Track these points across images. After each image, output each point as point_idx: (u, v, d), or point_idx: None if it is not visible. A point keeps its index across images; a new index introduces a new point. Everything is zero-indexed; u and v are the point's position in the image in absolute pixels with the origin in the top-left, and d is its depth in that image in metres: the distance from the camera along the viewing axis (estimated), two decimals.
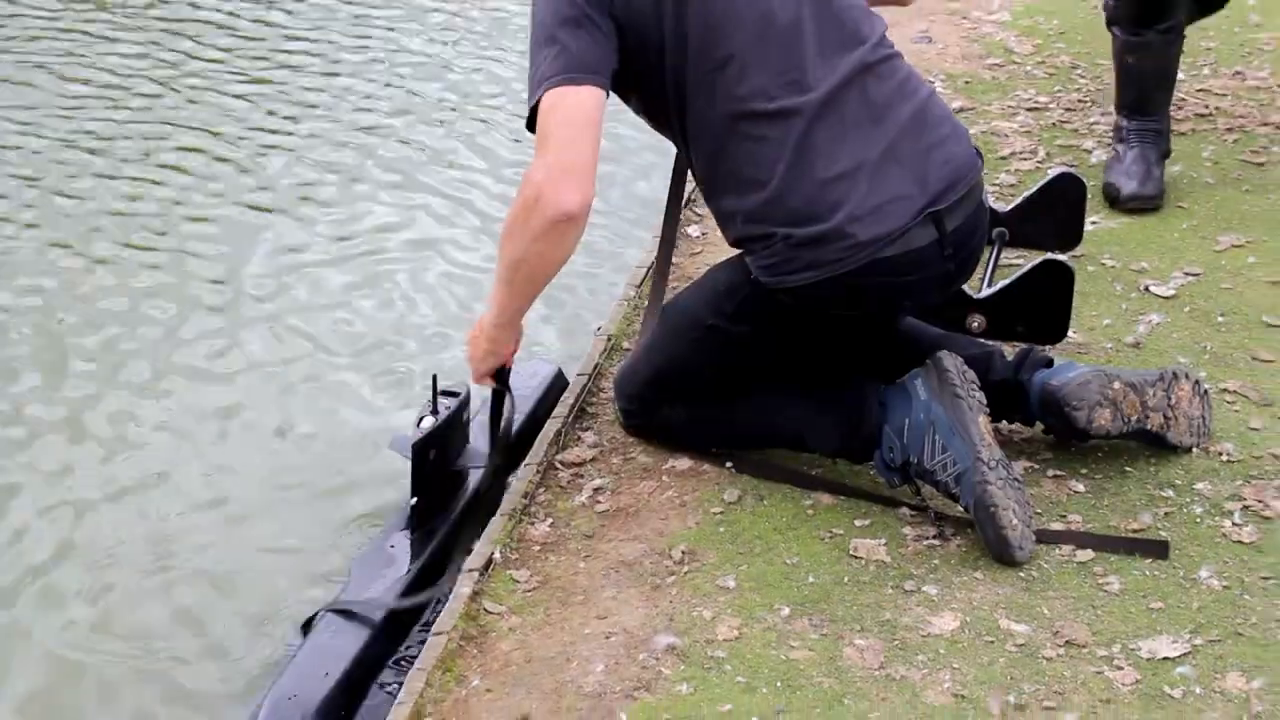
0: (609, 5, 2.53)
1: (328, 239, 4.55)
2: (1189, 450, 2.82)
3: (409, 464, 2.86)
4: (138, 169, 4.98)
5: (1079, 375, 2.72)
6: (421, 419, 2.99)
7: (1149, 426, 2.75)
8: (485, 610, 2.50)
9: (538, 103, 2.48)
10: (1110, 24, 3.94)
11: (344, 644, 2.58)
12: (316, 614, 2.71)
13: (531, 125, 2.51)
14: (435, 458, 2.83)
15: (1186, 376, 2.81)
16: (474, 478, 3.00)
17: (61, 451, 3.48)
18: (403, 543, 2.86)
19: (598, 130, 2.49)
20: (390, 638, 2.64)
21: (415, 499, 2.83)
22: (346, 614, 2.65)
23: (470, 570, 2.56)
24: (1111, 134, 4.05)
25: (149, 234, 4.57)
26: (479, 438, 3.09)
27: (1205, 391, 2.84)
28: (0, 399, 3.66)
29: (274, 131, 5.32)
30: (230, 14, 6.51)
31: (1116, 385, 2.72)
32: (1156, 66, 3.90)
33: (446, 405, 2.95)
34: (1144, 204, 3.82)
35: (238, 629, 2.91)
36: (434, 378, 3.03)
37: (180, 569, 3.07)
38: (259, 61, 6.05)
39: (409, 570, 2.77)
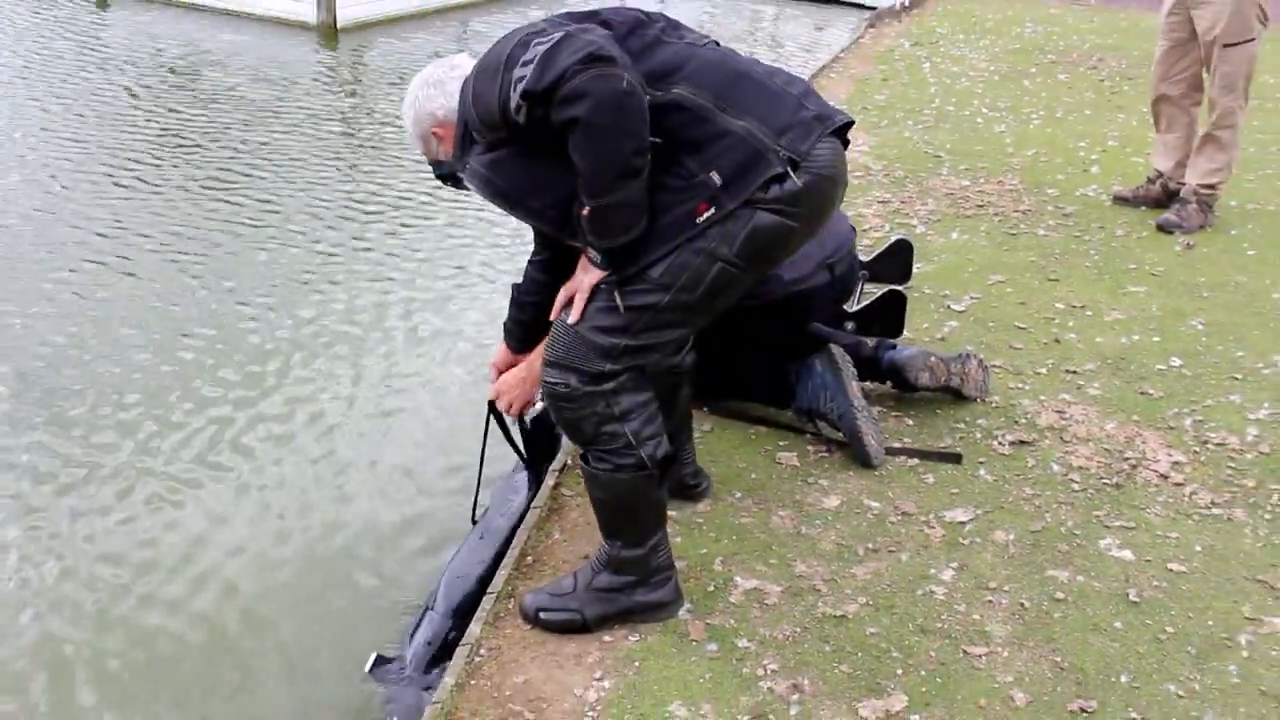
0: None
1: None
2: (975, 400, 2.79)
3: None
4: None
5: (911, 352, 2.70)
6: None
7: (952, 384, 2.73)
8: (563, 493, 2.47)
9: None
10: None
11: (488, 546, 2.39)
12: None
13: None
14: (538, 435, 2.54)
15: (974, 356, 2.78)
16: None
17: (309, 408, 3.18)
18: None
19: None
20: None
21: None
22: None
23: (553, 470, 2.54)
24: None
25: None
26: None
27: (986, 366, 2.81)
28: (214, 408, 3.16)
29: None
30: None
31: (933, 359, 2.70)
32: None
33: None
34: None
35: (417, 539, 2.70)
36: None
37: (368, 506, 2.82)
38: None
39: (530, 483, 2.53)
